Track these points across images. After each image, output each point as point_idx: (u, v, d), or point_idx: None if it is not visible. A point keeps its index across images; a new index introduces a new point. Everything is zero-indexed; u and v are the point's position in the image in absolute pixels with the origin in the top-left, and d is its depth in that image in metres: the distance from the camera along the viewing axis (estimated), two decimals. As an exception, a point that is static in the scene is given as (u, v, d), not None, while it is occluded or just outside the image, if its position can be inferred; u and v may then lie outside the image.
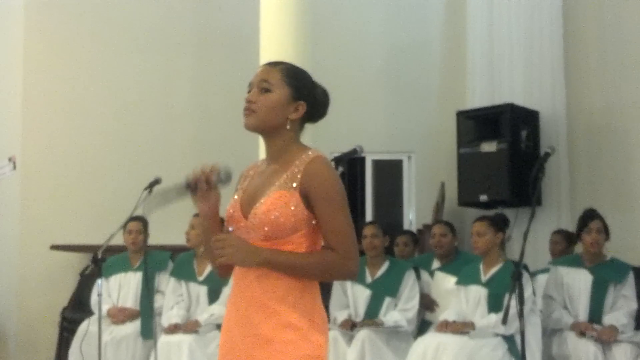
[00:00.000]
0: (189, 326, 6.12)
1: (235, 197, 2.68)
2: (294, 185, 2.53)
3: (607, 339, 5.58)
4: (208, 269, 6.32)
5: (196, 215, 6.28)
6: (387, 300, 6.08)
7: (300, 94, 2.62)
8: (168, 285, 6.44)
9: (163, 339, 6.09)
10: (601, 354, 5.55)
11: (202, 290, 6.33)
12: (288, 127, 2.61)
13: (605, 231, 5.84)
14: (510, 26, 7.99)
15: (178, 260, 6.55)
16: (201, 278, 6.35)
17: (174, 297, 6.37)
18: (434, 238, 6.49)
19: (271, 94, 2.59)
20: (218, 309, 6.13)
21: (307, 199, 2.52)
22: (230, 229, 2.63)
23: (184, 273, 6.43)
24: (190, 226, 6.34)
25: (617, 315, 5.69)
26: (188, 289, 6.40)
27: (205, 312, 6.17)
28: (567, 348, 5.67)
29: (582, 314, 5.81)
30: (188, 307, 6.36)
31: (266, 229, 2.51)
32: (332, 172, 2.57)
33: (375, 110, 8.54)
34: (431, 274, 6.46)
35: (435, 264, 6.53)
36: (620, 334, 5.60)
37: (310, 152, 2.58)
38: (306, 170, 2.53)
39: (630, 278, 5.81)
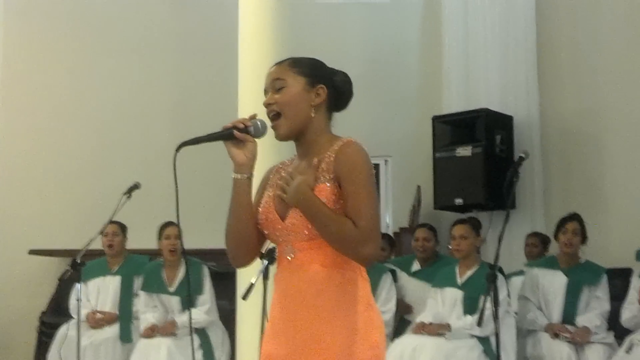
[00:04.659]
0: (167, 327, 6.12)
1: (264, 200, 2.52)
2: (331, 176, 2.39)
3: (580, 340, 5.66)
4: (178, 278, 6.29)
5: (167, 224, 6.27)
6: (365, 303, 6.09)
7: (316, 79, 2.51)
8: (140, 298, 6.38)
9: (141, 342, 6.09)
10: (574, 355, 5.62)
11: (175, 300, 6.29)
12: (313, 114, 2.49)
13: (582, 234, 5.92)
14: (485, 33, 8.07)
15: (146, 273, 6.42)
16: (172, 289, 6.29)
17: (149, 309, 6.32)
18: (417, 241, 6.50)
19: (286, 89, 2.47)
20: (197, 313, 6.11)
21: (339, 186, 2.38)
22: (265, 232, 2.50)
23: (154, 286, 6.34)
24: (165, 237, 6.27)
25: (590, 316, 5.77)
26: (161, 300, 6.34)
27: (184, 315, 6.13)
28: (541, 349, 5.74)
29: (556, 315, 5.88)
30: (165, 316, 6.31)
31: (309, 228, 2.38)
32: (362, 154, 2.41)
33: (352, 115, 8.51)
34: (412, 275, 6.50)
35: (416, 266, 6.57)
36: (593, 335, 5.68)
37: (342, 140, 2.47)
38: (337, 156, 2.40)
39: (604, 280, 5.89)
